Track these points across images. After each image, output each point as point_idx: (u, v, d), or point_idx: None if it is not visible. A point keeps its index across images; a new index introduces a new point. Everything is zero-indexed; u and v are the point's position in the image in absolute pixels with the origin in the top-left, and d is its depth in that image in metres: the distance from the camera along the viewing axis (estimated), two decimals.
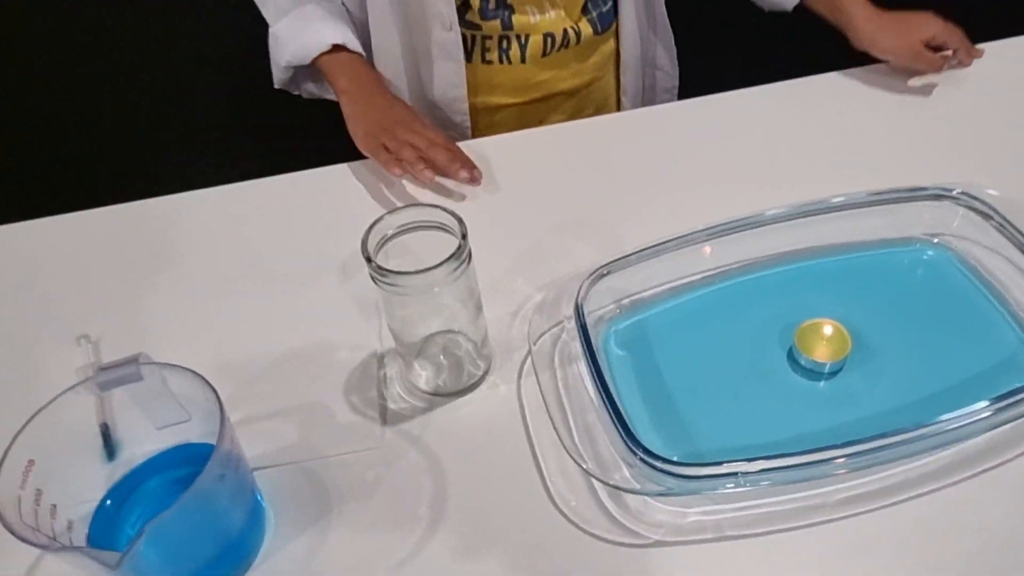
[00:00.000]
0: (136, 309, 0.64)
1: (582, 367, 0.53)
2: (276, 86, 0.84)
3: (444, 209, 0.48)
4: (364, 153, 0.72)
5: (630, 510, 0.48)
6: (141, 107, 1.36)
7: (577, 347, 0.54)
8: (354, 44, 0.78)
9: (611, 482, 0.47)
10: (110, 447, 0.54)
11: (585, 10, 0.81)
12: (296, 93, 0.86)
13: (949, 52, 0.76)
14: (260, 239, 0.69)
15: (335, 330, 0.60)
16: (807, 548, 0.45)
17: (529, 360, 0.56)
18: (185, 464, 0.50)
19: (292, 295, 0.63)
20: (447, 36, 0.79)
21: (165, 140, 1.40)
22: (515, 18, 0.79)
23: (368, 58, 0.82)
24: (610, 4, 0.83)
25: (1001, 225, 0.56)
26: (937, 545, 0.45)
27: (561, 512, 0.48)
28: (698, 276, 0.58)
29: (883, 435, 0.44)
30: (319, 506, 0.50)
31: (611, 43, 0.86)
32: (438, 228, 0.49)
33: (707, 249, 0.58)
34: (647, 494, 0.47)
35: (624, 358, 0.55)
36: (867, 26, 0.76)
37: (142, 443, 0.51)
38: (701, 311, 0.57)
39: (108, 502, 0.48)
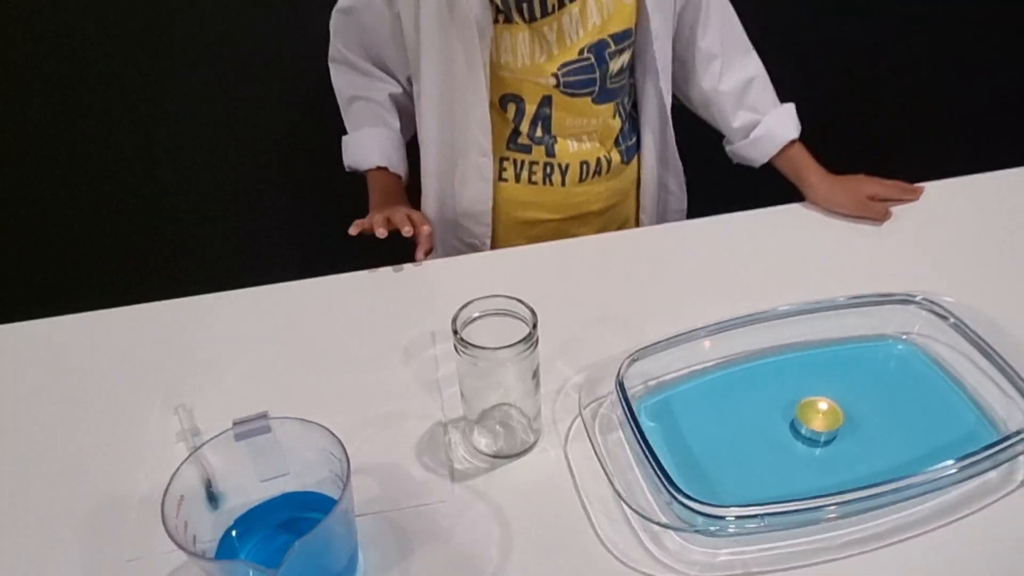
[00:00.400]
0: (225, 385, 0.74)
1: (621, 434, 0.64)
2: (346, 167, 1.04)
3: (520, 301, 0.60)
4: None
5: (669, 551, 0.57)
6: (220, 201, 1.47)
7: (614, 418, 0.64)
8: (395, 166, 0.99)
9: (654, 519, 0.57)
10: (213, 498, 0.62)
11: (616, 142, 0.97)
12: None
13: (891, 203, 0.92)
14: (332, 327, 0.80)
15: (404, 403, 0.70)
16: None
17: (573, 428, 0.66)
18: (288, 509, 0.58)
19: (366, 374, 0.73)
20: (482, 161, 0.93)
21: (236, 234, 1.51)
22: (557, 146, 0.93)
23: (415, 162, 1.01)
24: (634, 139, 0.99)
25: (956, 325, 0.69)
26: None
27: (611, 552, 0.57)
28: (712, 362, 0.70)
29: (868, 486, 0.55)
30: (402, 550, 0.59)
31: (634, 170, 1.02)
32: (512, 316, 0.60)
33: (713, 341, 0.70)
34: (680, 529, 0.57)
35: (654, 428, 0.65)
36: (821, 185, 0.92)
37: (245, 494, 0.60)
38: (716, 391, 0.68)
39: (231, 534, 0.56)
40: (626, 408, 0.62)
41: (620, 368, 0.65)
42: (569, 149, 0.94)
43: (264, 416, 0.55)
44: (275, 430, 0.56)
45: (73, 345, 0.80)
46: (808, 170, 0.94)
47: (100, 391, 0.74)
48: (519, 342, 0.58)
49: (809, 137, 0.97)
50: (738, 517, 0.55)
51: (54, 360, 0.78)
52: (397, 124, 1.01)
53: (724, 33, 0.94)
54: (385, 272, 0.88)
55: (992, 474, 0.61)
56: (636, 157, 1.01)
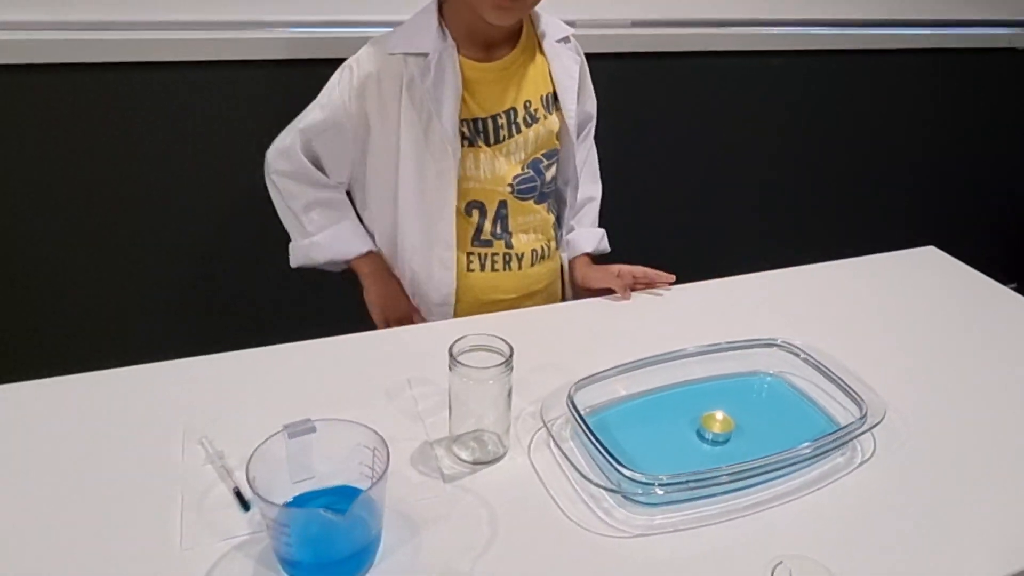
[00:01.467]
0: (238, 422, 0.87)
1: (572, 443, 0.83)
2: (293, 266, 1.19)
3: (500, 338, 0.80)
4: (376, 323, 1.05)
5: (618, 519, 0.76)
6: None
7: (564, 434, 0.84)
8: (376, 248, 1.16)
9: (604, 485, 0.76)
10: (244, 503, 0.76)
11: (551, 233, 1.21)
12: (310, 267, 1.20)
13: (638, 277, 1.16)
14: (323, 379, 0.96)
15: (395, 430, 0.86)
16: (723, 535, 0.75)
17: (534, 441, 0.85)
18: (323, 498, 0.72)
19: (358, 410, 0.89)
20: (447, 255, 1.13)
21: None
22: (514, 239, 1.16)
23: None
24: (561, 232, 1.23)
25: (806, 360, 0.94)
26: (790, 530, 0.76)
27: (574, 522, 0.75)
28: (636, 391, 0.91)
29: (752, 459, 0.77)
30: (411, 531, 0.74)
31: (560, 256, 1.26)
32: (492, 351, 0.80)
33: (635, 376, 0.91)
34: (624, 494, 0.76)
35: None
36: (582, 269, 1.22)
37: (277, 495, 0.73)
38: (640, 411, 0.90)
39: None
40: (576, 413, 0.82)
41: (569, 391, 0.85)
42: (522, 241, 1.17)
43: (309, 420, 0.71)
44: (319, 431, 0.71)
45: (99, 399, 0.91)
46: (577, 261, 1.24)
47: (129, 433, 0.85)
48: (502, 363, 0.77)
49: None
50: (661, 484, 0.75)
51: (88, 409, 0.88)
52: (356, 218, 1.20)
53: (589, 159, 1.26)
54: (366, 335, 1.05)
55: (840, 458, 0.84)
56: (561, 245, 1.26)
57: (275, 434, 0.70)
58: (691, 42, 1.75)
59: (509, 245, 1.16)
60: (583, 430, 0.81)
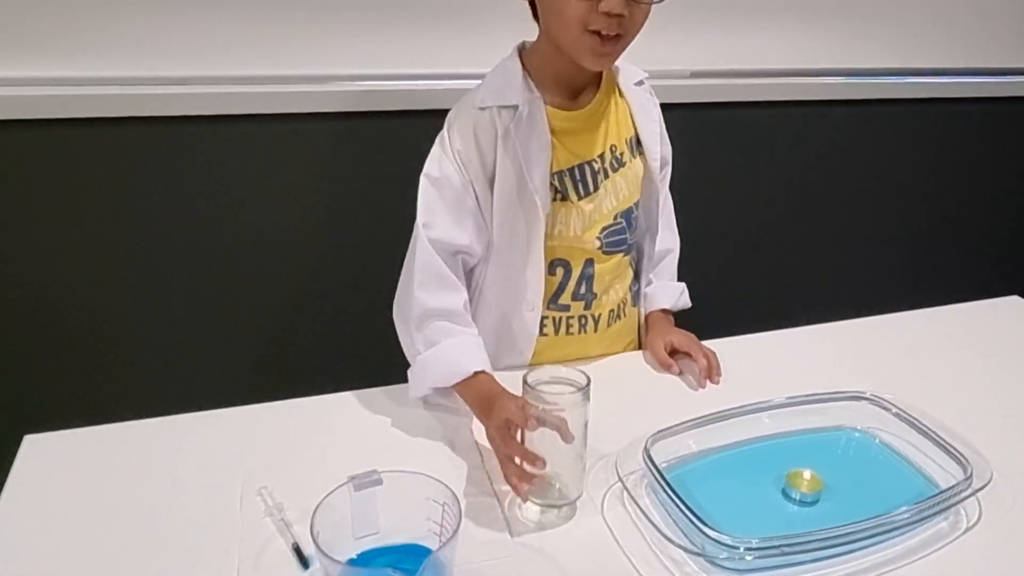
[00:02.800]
0: (300, 476, 0.84)
1: (647, 500, 0.78)
2: (412, 397, 0.98)
3: (579, 370, 0.76)
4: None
5: None
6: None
7: (640, 490, 0.79)
8: (487, 366, 0.95)
9: (687, 547, 0.70)
10: (303, 560, 0.72)
11: (629, 288, 1.15)
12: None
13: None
14: (388, 428, 0.93)
15: (459, 482, 0.82)
16: None
17: (607, 497, 0.80)
18: (385, 556, 0.68)
19: (421, 462, 0.85)
20: (529, 315, 1.06)
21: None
22: (596, 301, 1.09)
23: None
24: (638, 286, 1.17)
25: (898, 414, 0.88)
26: None
27: None
28: (717, 445, 0.86)
29: (845, 524, 0.71)
30: None
31: (636, 313, 1.19)
32: (568, 383, 0.76)
33: (717, 428, 0.86)
34: (706, 556, 0.71)
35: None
36: (659, 325, 1.14)
37: (339, 552, 0.70)
38: (721, 467, 0.84)
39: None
40: (654, 468, 0.77)
41: (646, 443, 0.80)
42: (603, 302, 1.10)
43: (375, 471, 0.67)
44: (385, 483, 0.67)
45: (156, 446, 0.89)
46: (655, 319, 1.16)
47: (186, 484, 0.83)
48: (578, 391, 0.75)
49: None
50: (749, 548, 0.69)
51: (144, 458, 0.87)
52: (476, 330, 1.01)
53: (666, 209, 1.19)
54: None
55: (943, 524, 0.77)
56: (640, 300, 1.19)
57: (340, 486, 0.67)
58: (750, 92, 1.72)
59: (589, 306, 1.10)
60: (662, 486, 0.75)
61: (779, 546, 0.69)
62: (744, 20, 1.68)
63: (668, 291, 1.19)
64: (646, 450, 0.79)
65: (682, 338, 1.09)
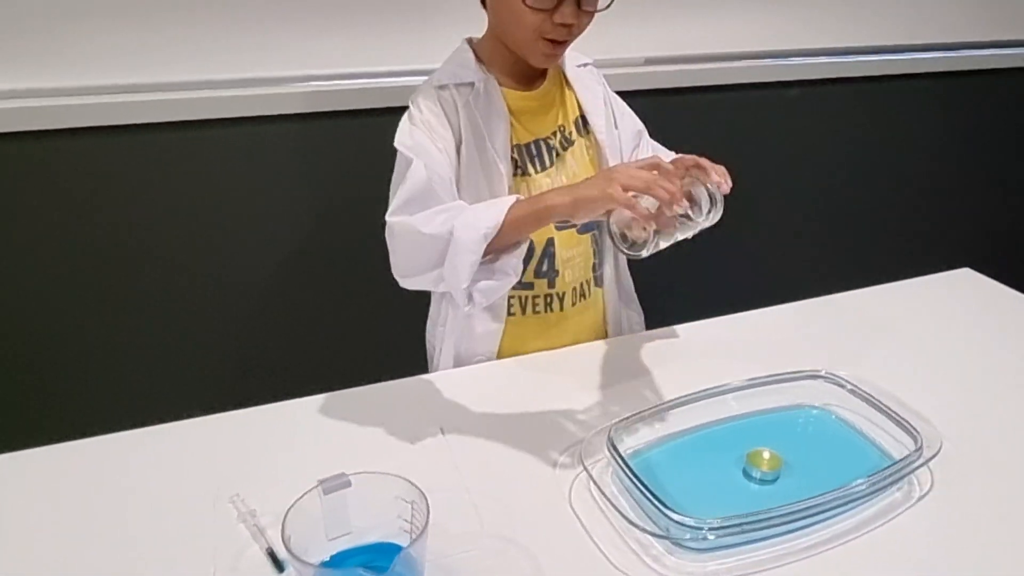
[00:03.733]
0: (271, 481, 0.85)
1: (613, 488, 0.80)
2: (462, 306, 0.89)
3: None
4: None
5: (668, 566, 0.72)
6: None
7: (606, 478, 0.81)
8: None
9: (652, 531, 0.72)
10: (278, 564, 0.73)
11: (593, 268, 1.16)
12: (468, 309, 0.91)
13: None
14: (355, 429, 0.93)
15: (430, 480, 0.83)
16: None
17: (572, 486, 0.82)
18: (359, 556, 0.69)
19: (390, 462, 0.87)
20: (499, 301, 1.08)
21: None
22: (558, 278, 1.11)
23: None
24: (602, 268, 1.19)
25: (852, 391, 0.91)
26: (850, 572, 0.72)
27: (622, 572, 0.71)
28: (677, 430, 0.88)
29: (806, 499, 0.73)
30: None
31: (600, 295, 1.21)
32: None
33: (677, 414, 0.88)
34: (670, 538, 0.73)
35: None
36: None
37: (312, 554, 0.71)
38: (683, 451, 0.86)
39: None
40: (617, 455, 0.78)
41: (609, 431, 0.82)
42: (566, 278, 1.12)
43: (343, 474, 0.68)
44: (354, 485, 0.68)
45: (125, 459, 0.89)
46: None
47: (158, 494, 0.83)
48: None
49: None
50: (712, 528, 0.71)
51: (114, 471, 0.87)
52: None
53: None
54: (394, 384, 1.02)
55: (896, 494, 0.80)
56: (603, 283, 1.20)
57: (310, 491, 0.68)
58: (704, 77, 1.75)
59: (552, 285, 1.13)
60: (626, 473, 0.77)
61: (740, 524, 0.71)
62: (695, 5, 1.70)
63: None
64: (610, 438, 0.81)
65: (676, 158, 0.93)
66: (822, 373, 0.94)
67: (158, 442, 0.91)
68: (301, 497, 0.67)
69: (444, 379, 1.05)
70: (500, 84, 1.05)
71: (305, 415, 0.96)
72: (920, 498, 0.80)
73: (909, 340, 1.12)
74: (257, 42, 1.39)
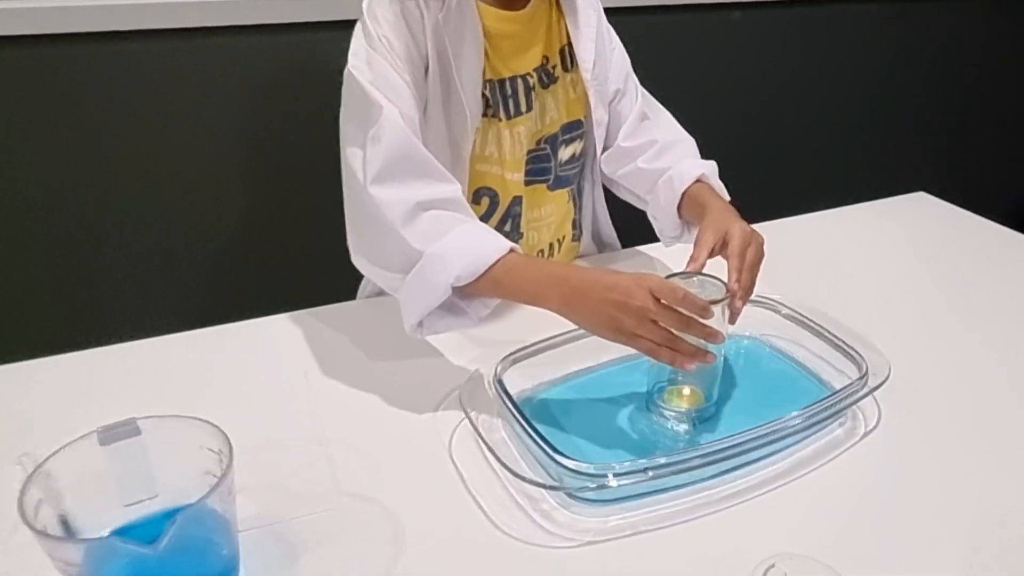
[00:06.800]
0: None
1: (503, 433, 0.66)
2: (409, 332, 0.74)
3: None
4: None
5: (560, 523, 0.58)
6: None
7: (496, 422, 0.67)
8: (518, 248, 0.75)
9: (542, 482, 0.59)
10: (70, 533, 0.58)
11: (573, 224, 1.01)
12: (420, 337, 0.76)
13: None
14: (205, 373, 0.78)
15: (286, 431, 0.69)
16: (697, 534, 0.58)
17: (454, 435, 0.67)
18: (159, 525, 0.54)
19: (245, 411, 0.71)
20: None
21: None
22: (521, 241, 0.94)
23: None
24: (581, 229, 1.03)
25: (789, 316, 0.78)
26: (782, 522, 0.59)
27: (506, 533, 0.58)
28: (575, 368, 0.74)
29: (727, 436, 0.60)
30: (290, 556, 0.56)
31: (576, 248, 1.04)
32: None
33: (574, 348, 0.74)
34: (565, 489, 0.60)
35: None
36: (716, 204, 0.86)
37: (106, 524, 0.55)
38: (585, 390, 0.73)
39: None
40: (505, 397, 0.64)
41: (496, 370, 0.68)
42: (531, 241, 0.96)
43: (132, 419, 0.53)
44: (145, 433, 0.53)
45: None
46: (716, 208, 0.85)
47: None
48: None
49: None
50: (616, 474, 0.57)
51: None
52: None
53: (664, 126, 1.01)
54: (261, 321, 0.87)
55: (838, 431, 0.68)
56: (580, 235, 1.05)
57: (80, 438, 0.52)
58: None
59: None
60: (515, 417, 0.63)
61: (646, 469, 0.58)
62: None
63: (690, 164, 0.93)
64: (496, 377, 0.67)
65: (742, 242, 0.76)
66: (754, 297, 0.80)
67: None
68: (63, 448, 0.52)
69: (322, 315, 0.89)
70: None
71: (98, 364, 0.80)
72: (866, 434, 0.68)
73: (860, 266, 1.00)
74: None
